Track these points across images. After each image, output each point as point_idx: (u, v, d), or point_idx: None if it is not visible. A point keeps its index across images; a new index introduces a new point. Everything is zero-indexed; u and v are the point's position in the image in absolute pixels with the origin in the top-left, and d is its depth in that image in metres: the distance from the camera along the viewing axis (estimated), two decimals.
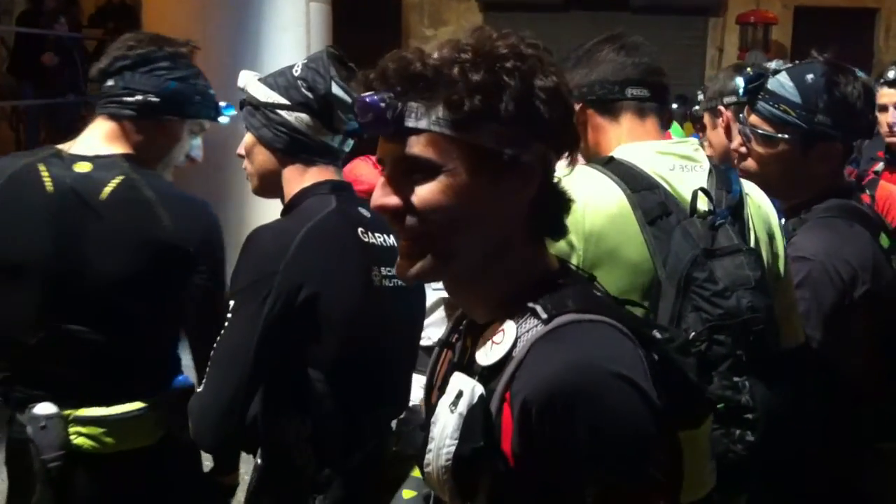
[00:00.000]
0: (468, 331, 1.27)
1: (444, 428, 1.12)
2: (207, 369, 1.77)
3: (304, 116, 1.88)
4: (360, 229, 1.88)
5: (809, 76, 2.07)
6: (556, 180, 1.20)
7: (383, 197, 1.14)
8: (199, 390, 1.83)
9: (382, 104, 1.10)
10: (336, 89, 1.88)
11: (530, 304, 1.13)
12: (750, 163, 2.17)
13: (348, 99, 1.88)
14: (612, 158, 1.77)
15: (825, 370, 1.94)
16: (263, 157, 1.93)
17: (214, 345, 1.75)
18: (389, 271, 1.87)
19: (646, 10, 10.70)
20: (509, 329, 1.14)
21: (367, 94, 1.11)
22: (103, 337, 2.01)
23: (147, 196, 2.04)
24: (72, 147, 2.09)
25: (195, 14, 5.66)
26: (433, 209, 1.11)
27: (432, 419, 1.15)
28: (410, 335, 2.07)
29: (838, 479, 2.06)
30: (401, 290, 1.89)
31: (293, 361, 1.80)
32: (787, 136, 2.08)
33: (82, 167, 2.03)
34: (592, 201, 1.65)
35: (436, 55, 1.12)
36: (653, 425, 1.06)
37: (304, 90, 1.88)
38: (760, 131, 2.11)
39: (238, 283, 1.78)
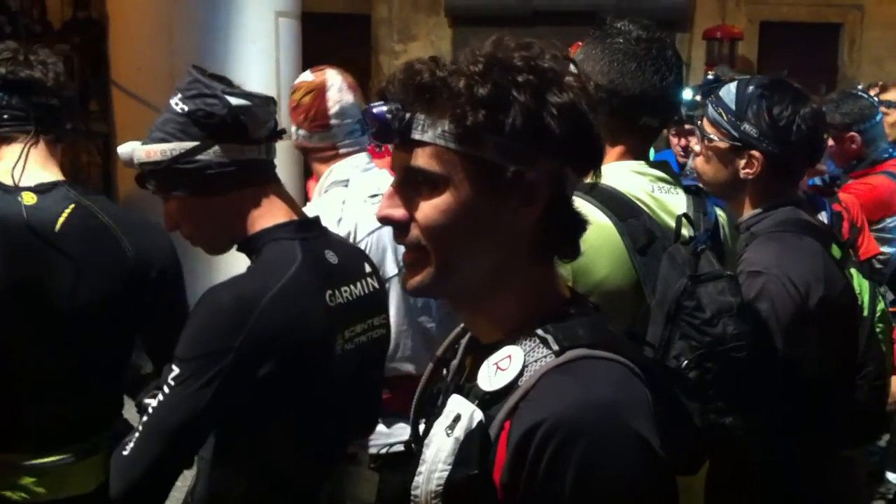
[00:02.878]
0: (468, 349, 1.24)
1: (438, 451, 1.08)
2: (138, 432, 1.59)
3: (223, 146, 1.68)
4: (327, 292, 1.72)
5: (750, 87, 2.14)
6: (570, 198, 1.17)
7: (388, 208, 1.13)
8: (127, 449, 1.60)
9: (389, 115, 1.09)
10: (234, 100, 1.68)
11: (540, 332, 1.10)
12: (698, 161, 2.26)
13: (249, 102, 1.70)
14: (595, 184, 1.77)
15: (786, 379, 1.97)
16: (200, 210, 1.72)
17: (150, 409, 1.59)
18: (353, 332, 1.76)
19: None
20: (517, 356, 1.10)
21: (375, 104, 1.11)
22: (57, 371, 1.92)
23: (104, 222, 1.97)
24: (3, 175, 1.95)
25: (162, 28, 5.64)
26: (435, 223, 1.10)
27: (426, 441, 1.12)
28: (374, 383, 1.99)
29: (802, 485, 2.08)
30: (364, 347, 1.80)
31: (244, 423, 1.67)
32: (718, 137, 2.16)
33: (29, 199, 1.91)
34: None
35: (447, 66, 1.10)
36: (649, 480, 1.04)
37: (204, 121, 1.67)
38: (706, 132, 2.19)
39: (187, 350, 1.59)
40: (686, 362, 1.59)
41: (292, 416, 1.68)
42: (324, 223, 1.90)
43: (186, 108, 1.68)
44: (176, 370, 1.58)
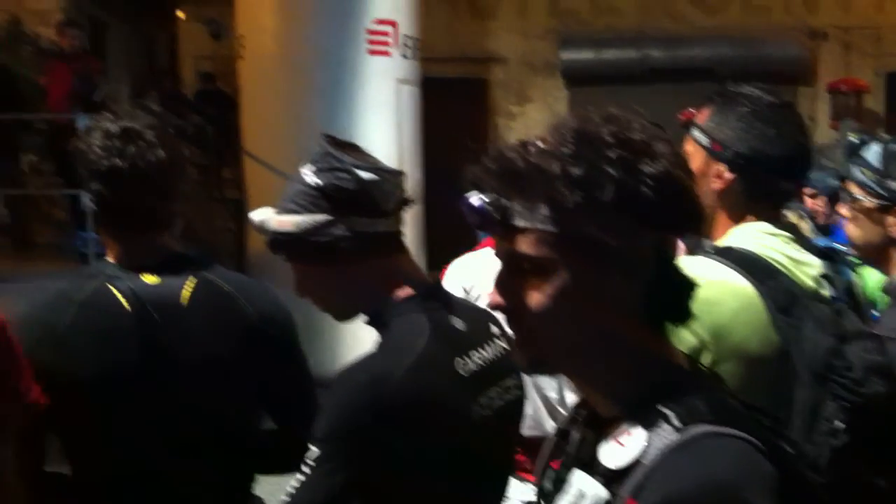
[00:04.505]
0: (588, 423, 1.23)
1: None
2: None
3: (352, 220, 1.71)
4: (458, 361, 1.73)
5: (894, 145, 2.15)
6: (675, 262, 1.17)
7: (498, 296, 1.15)
8: None
9: (489, 207, 1.12)
10: (363, 174, 1.70)
11: (661, 409, 1.09)
12: (847, 224, 2.26)
13: (378, 176, 1.71)
14: (730, 248, 1.76)
15: None
16: (328, 280, 1.76)
17: (291, 490, 1.63)
18: (488, 397, 1.76)
19: (732, 80, 10.64)
20: (638, 433, 1.10)
21: (471, 195, 1.13)
22: (189, 441, 1.94)
23: (226, 290, 2.01)
24: (116, 257, 2.01)
25: (289, 99, 5.90)
26: (544, 306, 1.11)
27: None
28: (511, 445, 1.98)
29: None
30: (501, 410, 1.79)
31: (384, 499, 1.69)
32: (864, 197, 2.16)
33: (150, 278, 1.96)
34: (719, 295, 1.63)
35: (537, 149, 1.12)
36: None
37: (333, 195, 1.70)
38: (852, 193, 2.19)
39: (325, 430, 1.62)
40: (837, 423, 1.58)
41: (431, 489, 1.69)
42: (458, 280, 1.94)
43: (318, 182, 1.71)
44: (315, 451, 1.61)
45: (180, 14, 12.85)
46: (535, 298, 1.12)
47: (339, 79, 5.84)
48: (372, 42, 5.94)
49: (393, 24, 6.06)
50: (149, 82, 11.83)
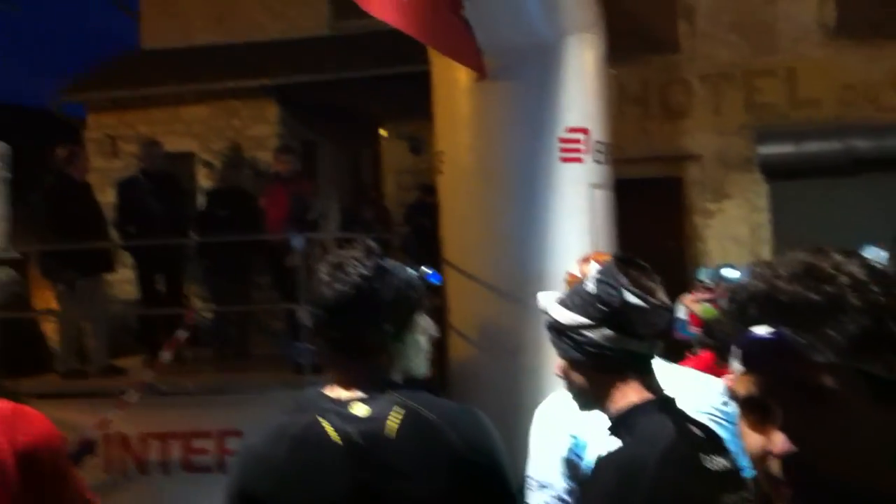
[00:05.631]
0: None
1: None
2: None
3: (607, 332, 1.93)
4: (703, 456, 1.85)
5: None
6: None
7: (786, 443, 1.08)
8: None
9: (775, 339, 1.08)
10: (630, 297, 1.92)
11: None
12: None
13: (644, 304, 1.92)
14: None
15: None
16: (581, 375, 1.98)
17: None
18: (731, 499, 1.77)
19: None
20: None
21: (752, 329, 1.10)
22: None
23: (431, 420, 2.04)
24: (330, 381, 2.13)
25: (486, 208, 6.11)
26: (830, 446, 1.06)
27: None
28: None
29: None
30: None
31: None
32: None
33: (359, 409, 2.05)
34: None
35: (815, 278, 1.09)
36: None
37: (600, 306, 1.93)
38: None
39: None
40: None
41: None
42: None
43: (592, 290, 1.95)
44: None
45: (383, 132, 13.61)
46: (818, 434, 1.07)
47: (532, 187, 6.00)
48: (564, 150, 6.06)
49: (585, 131, 6.18)
50: (357, 197, 12.52)
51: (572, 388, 2.02)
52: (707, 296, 6.37)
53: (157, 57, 12.36)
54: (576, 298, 1.98)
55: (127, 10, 13.95)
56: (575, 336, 1.95)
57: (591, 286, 1.97)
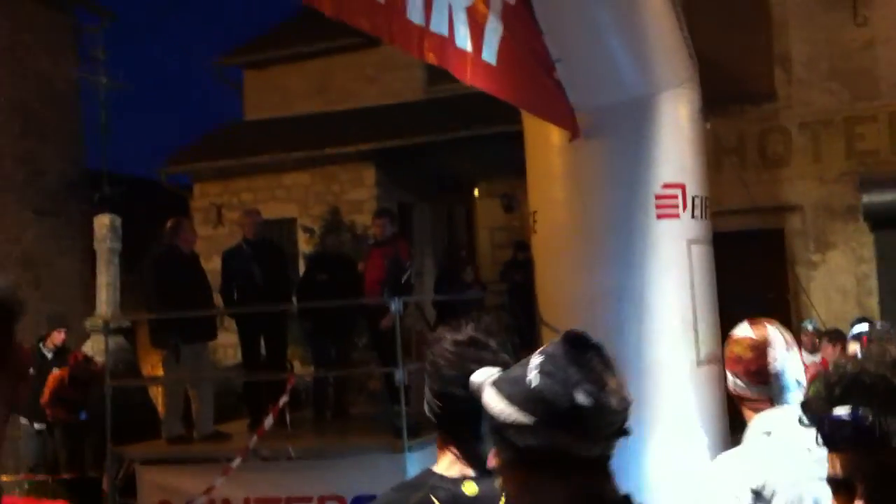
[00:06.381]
0: None
1: None
2: None
3: (551, 433, 1.57)
4: None
5: None
6: None
7: None
8: None
9: (852, 420, 1.09)
10: (581, 398, 1.56)
11: None
12: None
13: (596, 403, 1.56)
14: None
15: None
16: (517, 479, 1.65)
17: None
18: None
19: None
20: None
21: (839, 409, 1.11)
22: None
23: None
24: (446, 468, 2.13)
25: (582, 267, 6.07)
26: None
27: None
28: None
29: None
30: None
31: None
32: None
33: (470, 488, 2.07)
34: None
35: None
36: None
37: (541, 405, 1.57)
38: None
39: None
40: None
41: None
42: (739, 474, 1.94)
43: (534, 384, 1.59)
44: None
45: (476, 191, 13.76)
46: None
47: (629, 245, 5.94)
48: (660, 206, 6.00)
49: (681, 186, 6.11)
50: (455, 258, 12.63)
51: (514, 497, 1.67)
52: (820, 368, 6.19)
53: (260, 127, 12.81)
54: (516, 389, 1.61)
55: (232, 83, 14.57)
56: (511, 438, 1.59)
57: (532, 379, 1.59)
